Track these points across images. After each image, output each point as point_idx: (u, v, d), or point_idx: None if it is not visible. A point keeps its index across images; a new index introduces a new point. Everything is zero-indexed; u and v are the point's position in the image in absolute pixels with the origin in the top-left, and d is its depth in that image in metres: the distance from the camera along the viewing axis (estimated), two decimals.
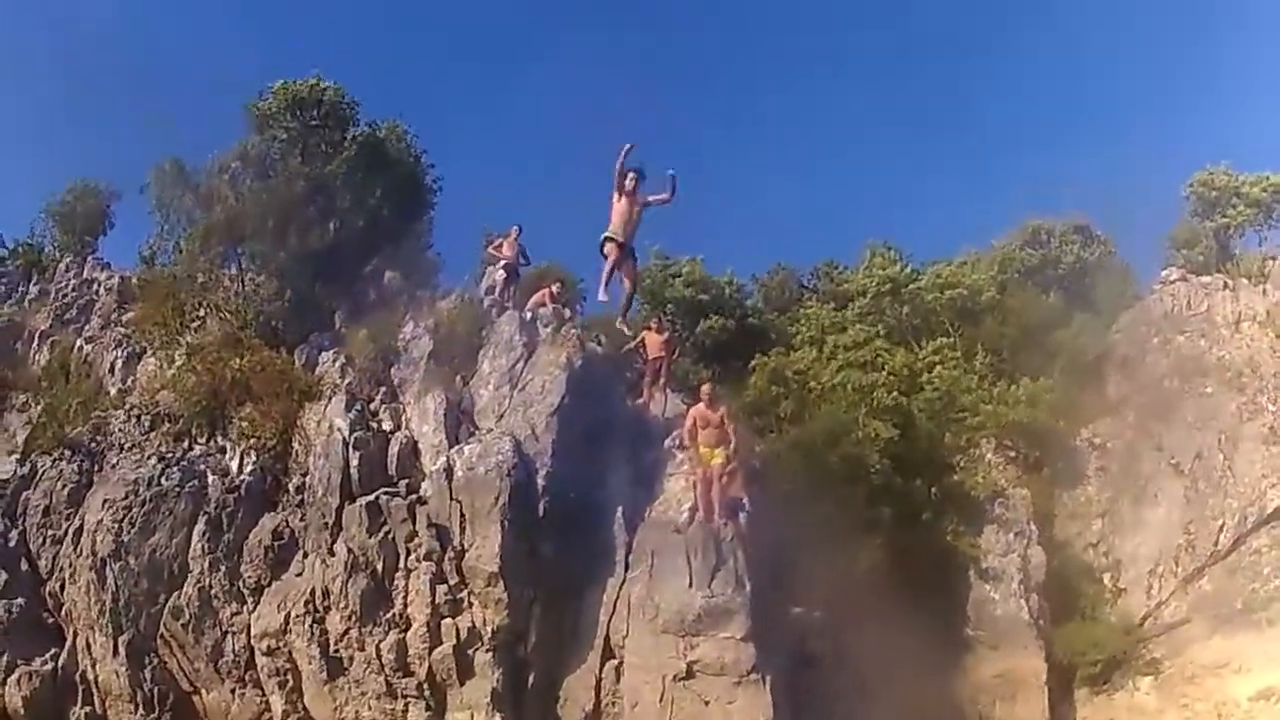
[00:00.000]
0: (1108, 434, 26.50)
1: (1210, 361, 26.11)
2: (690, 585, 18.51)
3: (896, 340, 27.98)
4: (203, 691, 20.26)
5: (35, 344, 27.21)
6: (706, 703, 18.08)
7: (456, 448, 20.00)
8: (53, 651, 20.71)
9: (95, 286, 28.35)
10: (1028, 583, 23.84)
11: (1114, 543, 25.19)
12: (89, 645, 20.40)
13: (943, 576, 23.21)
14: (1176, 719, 22.68)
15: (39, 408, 24.51)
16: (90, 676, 20.30)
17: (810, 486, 21.80)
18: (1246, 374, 25.60)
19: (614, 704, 18.66)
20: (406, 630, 19.03)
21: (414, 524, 19.32)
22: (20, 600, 21.10)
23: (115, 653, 20.08)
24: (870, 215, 76.49)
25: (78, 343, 26.44)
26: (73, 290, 28.56)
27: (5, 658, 20.47)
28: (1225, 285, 27.73)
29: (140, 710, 20.08)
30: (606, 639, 18.95)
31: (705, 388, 20.31)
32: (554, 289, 23.39)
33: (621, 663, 18.79)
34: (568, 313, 23.51)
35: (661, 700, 18.23)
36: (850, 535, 21.88)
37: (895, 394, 24.91)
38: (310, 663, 19.39)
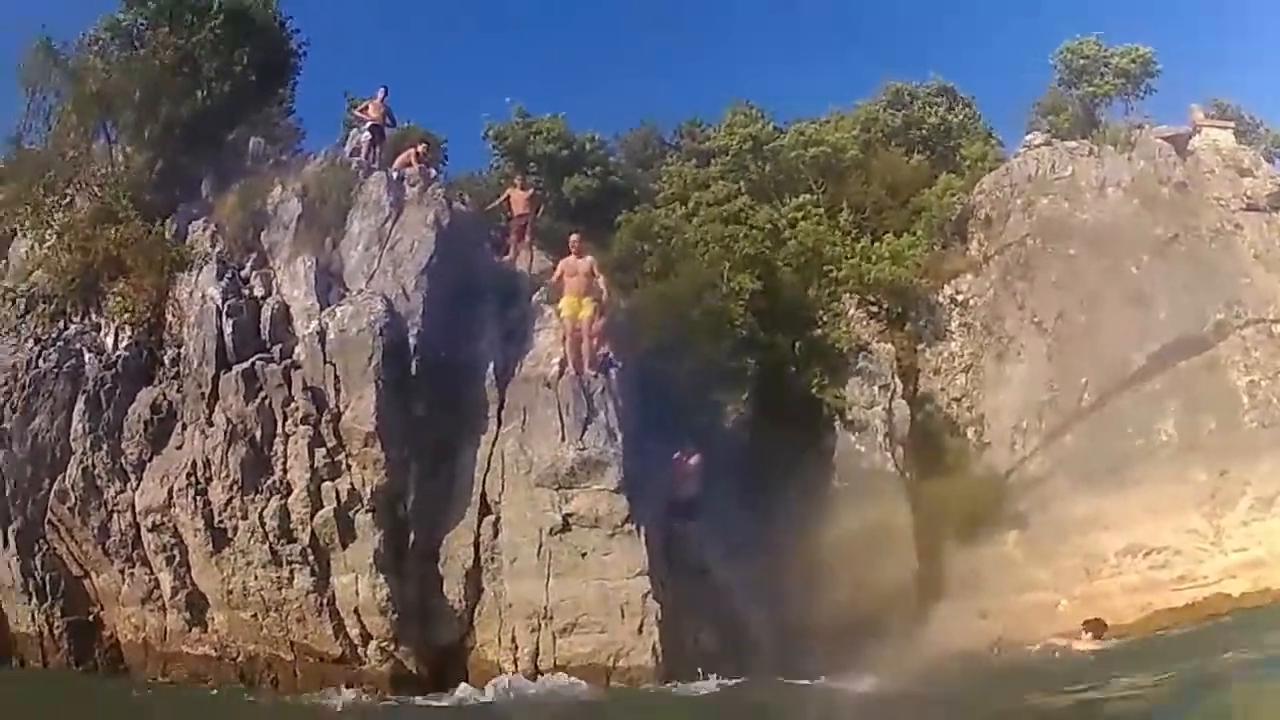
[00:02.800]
0: (970, 291, 26.94)
1: (1074, 224, 26.50)
2: (563, 439, 18.79)
3: (759, 197, 28.06)
4: (93, 574, 20.06)
5: None
6: (583, 554, 18.44)
7: (328, 310, 19.91)
8: None
9: None
10: (893, 435, 24.50)
11: (977, 398, 25.77)
12: None
13: (810, 428, 23.70)
14: (1044, 573, 23.29)
15: None
16: None
17: (677, 340, 22.14)
18: (1110, 237, 25.92)
19: (493, 560, 18.89)
20: (288, 496, 19.02)
21: (290, 389, 19.28)
22: None
23: (5, 544, 19.77)
24: (734, 79, 76.42)
25: None
26: None
27: None
28: (1090, 151, 28.05)
29: (33, 599, 19.79)
30: (483, 495, 19.19)
31: (573, 238, 20.55)
32: (419, 149, 23.25)
33: (499, 519, 19.03)
34: (433, 172, 23.45)
35: (539, 554, 18.56)
36: (717, 388, 22.41)
37: (759, 245, 25.09)
38: (195, 535, 19.27)
